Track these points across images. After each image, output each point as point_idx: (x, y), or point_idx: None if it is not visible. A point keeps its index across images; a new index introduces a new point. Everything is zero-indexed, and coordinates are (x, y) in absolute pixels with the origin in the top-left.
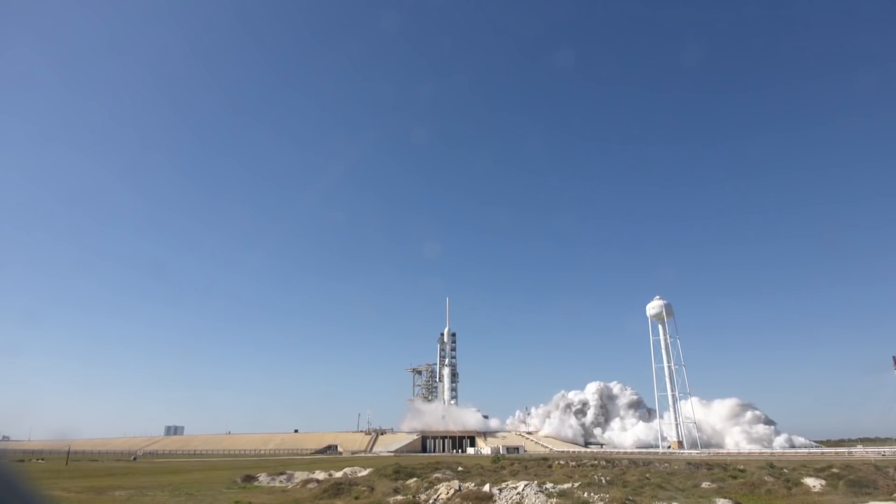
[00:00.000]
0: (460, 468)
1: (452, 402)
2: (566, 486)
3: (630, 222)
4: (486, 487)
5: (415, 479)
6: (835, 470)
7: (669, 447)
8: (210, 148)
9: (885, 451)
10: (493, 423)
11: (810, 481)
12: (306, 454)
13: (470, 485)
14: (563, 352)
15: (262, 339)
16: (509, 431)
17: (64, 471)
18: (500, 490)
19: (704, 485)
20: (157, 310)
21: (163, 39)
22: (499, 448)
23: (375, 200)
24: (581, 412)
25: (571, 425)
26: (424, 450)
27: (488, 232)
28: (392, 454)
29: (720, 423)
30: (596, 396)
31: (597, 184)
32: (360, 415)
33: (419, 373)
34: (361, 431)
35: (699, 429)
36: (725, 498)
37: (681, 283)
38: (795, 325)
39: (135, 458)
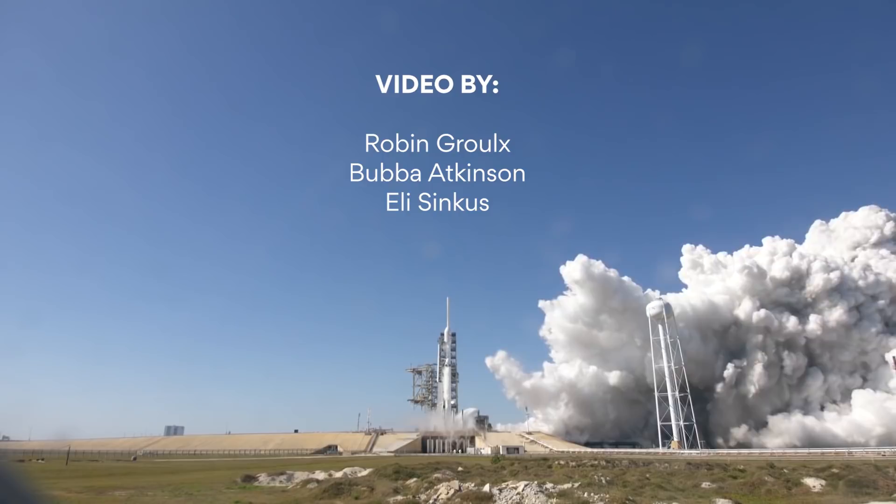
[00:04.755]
0: (460, 468)
1: (452, 402)
2: (566, 486)
3: (630, 221)
4: (486, 487)
5: (415, 479)
6: (835, 470)
7: (670, 447)
8: (210, 147)
9: (885, 451)
10: (493, 423)
11: (810, 481)
12: (306, 454)
13: (470, 485)
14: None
15: (262, 339)
16: (509, 432)
17: (64, 471)
18: (500, 490)
19: (704, 485)
20: (157, 310)
21: (163, 39)
22: (499, 448)
23: (376, 199)
24: (581, 412)
25: (571, 425)
26: (424, 450)
27: (489, 231)
28: (392, 454)
29: None
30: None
31: (597, 182)
32: (360, 415)
33: (419, 373)
34: (361, 431)
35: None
36: (725, 498)
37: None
38: None
39: (135, 458)
